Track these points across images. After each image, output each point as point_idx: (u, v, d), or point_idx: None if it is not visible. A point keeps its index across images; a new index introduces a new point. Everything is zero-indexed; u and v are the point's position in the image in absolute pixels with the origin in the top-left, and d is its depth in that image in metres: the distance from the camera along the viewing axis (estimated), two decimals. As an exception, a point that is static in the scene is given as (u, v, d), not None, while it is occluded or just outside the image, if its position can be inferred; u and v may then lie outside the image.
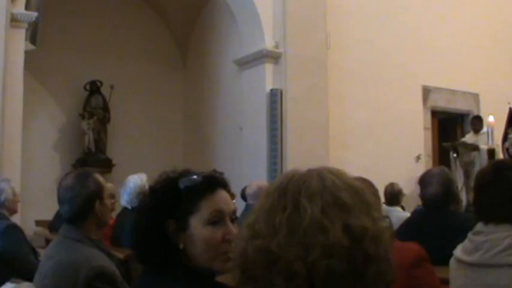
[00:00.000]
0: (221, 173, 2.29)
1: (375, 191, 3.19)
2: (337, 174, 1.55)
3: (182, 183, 2.13)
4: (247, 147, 11.33)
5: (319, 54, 11.24)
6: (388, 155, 12.05)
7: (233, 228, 2.15)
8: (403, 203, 9.74)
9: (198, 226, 2.10)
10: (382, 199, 9.08)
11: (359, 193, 1.51)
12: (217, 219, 2.11)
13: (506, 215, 2.67)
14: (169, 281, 2.08)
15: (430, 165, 12.41)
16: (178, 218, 2.10)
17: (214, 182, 2.19)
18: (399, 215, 7.97)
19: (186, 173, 2.19)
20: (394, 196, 8.97)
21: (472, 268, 2.72)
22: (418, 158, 12.82)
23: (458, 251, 2.84)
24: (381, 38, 12.59)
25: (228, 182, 2.26)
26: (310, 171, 1.55)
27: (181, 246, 2.09)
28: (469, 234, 2.80)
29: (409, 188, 10.30)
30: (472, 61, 14.13)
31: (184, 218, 2.10)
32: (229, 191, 2.24)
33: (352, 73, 12.04)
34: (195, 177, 2.15)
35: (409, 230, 4.51)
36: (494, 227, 2.67)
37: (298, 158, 10.32)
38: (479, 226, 2.75)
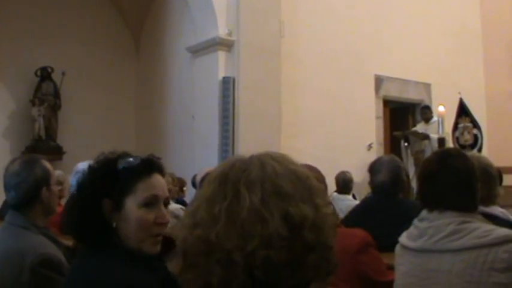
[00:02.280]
0: (158, 158, 2.34)
1: (321, 178, 3.21)
2: (280, 160, 1.55)
3: (121, 164, 2.19)
4: (199, 135, 11.30)
5: (273, 43, 11.23)
6: (340, 143, 12.11)
7: (165, 213, 2.22)
8: (354, 191, 9.84)
9: (132, 207, 2.16)
10: (334, 187, 9.22)
11: (301, 180, 1.51)
12: (152, 202, 2.18)
13: (450, 202, 2.70)
14: (103, 258, 2.10)
15: (381, 153, 12.49)
16: (114, 197, 2.15)
17: (151, 166, 2.26)
18: (350, 203, 8.06)
19: (125, 155, 2.23)
20: (345, 184, 9.07)
21: (415, 254, 2.75)
22: (369, 146, 12.93)
23: (403, 237, 2.88)
24: (335, 27, 12.64)
25: (164, 167, 2.32)
26: (252, 158, 1.56)
27: (114, 225, 2.14)
28: (414, 221, 2.83)
29: (361, 177, 10.39)
30: (425, 52, 14.28)
31: (119, 198, 2.16)
32: (164, 176, 2.30)
33: (305, 62, 12.07)
34: (132, 159, 2.20)
35: (357, 217, 4.56)
36: (439, 214, 2.71)
37: (250, 146, 10.27)
38: (424, 213, 2.79)
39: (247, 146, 10.42)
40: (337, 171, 9.49)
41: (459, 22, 15.34)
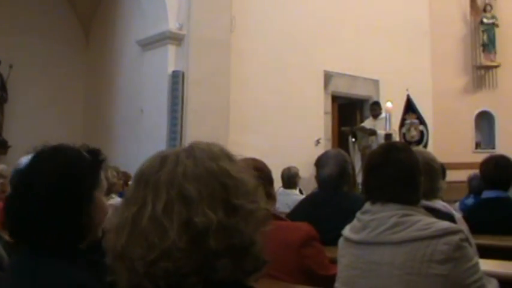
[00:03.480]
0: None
1: (264, 173, 3.24)
2: (199, 156, 1.52)
3: (85, 158, 2.15)
4: (148, 129, 11.25)
5: (223, 37, 11.24)
6: (289, 138, 12.18)
7: None
8: (302, 186, 9.89)
9: (100, 198, 2.17)
10: (280, 182, 9.25)
11: (218, 178, 1.49)
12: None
13: (393, 195, 2.74)
14: (53, 259, 2.01)
15: (329, 148, 12.59)
16: (84, 191, 2.10)
17: (102, 157, 2.23)
18: (296, 197, 8.10)
19: (72, 148, 2.19)
20: (290, 179, 9.10)
21: (358, 246, 2.77)
22: (317, 141, 13.02)
23: (346, 230, 2.90)
24: (285, 22, 12.70)
25: None
26: (171, 155, 1.54)
27: (84, 219, 2.08)
28: (357, 214, 2.85)
29: (309, 171, 10.43)
30: (373, 48, 14.43)
31: (89, 191, 2.11)
32: None
33: (255, 57, 12.11)
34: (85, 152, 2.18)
35: (303, 210, 4.59)
36: (381, 207, 2.74)
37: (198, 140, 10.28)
38: (367, 206, 2.82)
39: (195, 139, 10.32)
40: (285, 166, 9.53)
41: (408, 20, 15.54)
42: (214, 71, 10.96)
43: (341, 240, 2.94)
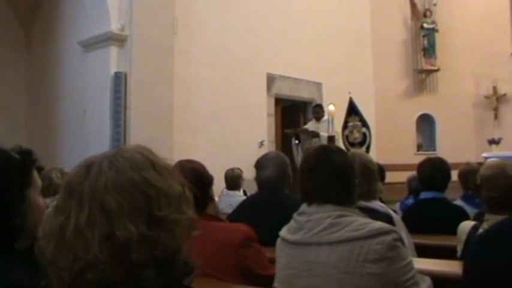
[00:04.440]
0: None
1: (201, 175, 3.26)
2: (121, 165, 1.51)
3: (13, 158, 2.11)
4: (91, 130, 11.11)
5: (166, 38, 11.17)
6: (233, 140, 12.20)
7: None
8: (246, 188, 9.92)
9: (35, 197, 2.13)
10: (224, 183, 9.28)
11: (140, 189, 1.48)
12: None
13: (328, 196, 2.79)
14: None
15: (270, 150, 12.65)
16: (13, 191, 2.06)
17: (34, 157, 2.21)
18: (239, 199, 8.12)
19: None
20: (234, 180, 9.15)
21: (294, 246, 2.82)
22: (261, 143, 13.05)
23: (283, 231, 2.94)
24: (228, 25, 12.71)
25: None
26: (91, 165, 1.52)
27: (17, 219, 2.05)
28: (294, 215, 2.89)
29: (252, 173, 10.40)
30: (316, 52, 14.55)
31: (20, 191, 2.08)
32: None
33: (198, 59, 12.08)
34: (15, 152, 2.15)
35: (243, 211, 4.63)
36: (317, 208, 2.78)
37: (142, 143, 10.12)
38: (303, 207, 2.86)
39: (139, 141, 10.15)
40: (229, 168, 9.56)
41: (350, 24, 15.72)
42: (157, 72, 10.89)
43: (278, 241, 2.98)
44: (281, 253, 2.94)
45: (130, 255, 1.40)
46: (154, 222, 1.45)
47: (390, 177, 12.49)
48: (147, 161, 1.56)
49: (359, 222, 2.71)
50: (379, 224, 2.71)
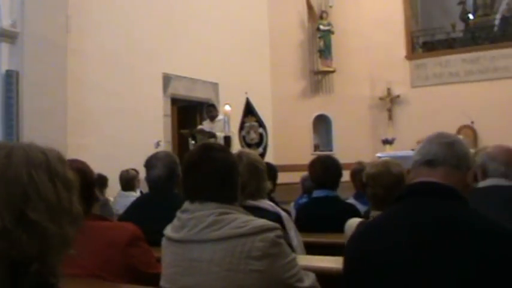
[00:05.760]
0: None
1: (85, 176, 3.21)
2: (14, 160, 1.49)
3: None
4: (-20, 131, 10.77)
5: (59, 37, 10.92)
6: (128, 141, 12.03)
7: None
8: (143, 189, 9.84)
9: None
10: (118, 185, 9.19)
11: (22, 187, 1.45)
12: None
13: (211, 194, 2.80)
14: None
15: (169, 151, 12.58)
16: None
17: None
18: (134, 199, 8.07)
19: None
20: (129, 181, 9.14)
21: (178, 244, 2.82)
22: (157, 144, 12.95)
23: (168, 229, 2.93)
24: (123, 24, 12.55)
25: None
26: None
27: None
28: (177, 213, 2.90)
29: (148, 174, 10.39)
30: (213, 52, 14.57)
31: None
32: None
33: (93, 58, 11.88)
34: None
35: (134, 211, 4.60)
36: (200, 205, 2.79)
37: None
38: (186, 204, 2.86)
39: (32, 141, 10.04)
40: (126, 169, 9.48)
41: (247, 24, 15.82)
42: (49, 71, 10.61)
43: (163, 240, 2.98)
44: (166, 252, 2.94)
45: None
46: (24, 222, 1.41)
47: (287, 177, 12.65)
48: (46, 164, 1.53)
49: (242, 220, 2.73)
50: (262, 221, 2.74)
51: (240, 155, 3.90)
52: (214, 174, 2.84)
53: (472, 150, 3.27)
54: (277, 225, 2.77)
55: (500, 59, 16.28)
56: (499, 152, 3.94)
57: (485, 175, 3.91)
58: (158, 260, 3.34)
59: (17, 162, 1.47)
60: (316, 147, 17.70)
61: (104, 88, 11.99)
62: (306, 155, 16.25)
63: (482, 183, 3.89)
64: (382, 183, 4.06)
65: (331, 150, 16.81)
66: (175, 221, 2.90)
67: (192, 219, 2.78)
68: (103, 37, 12.11)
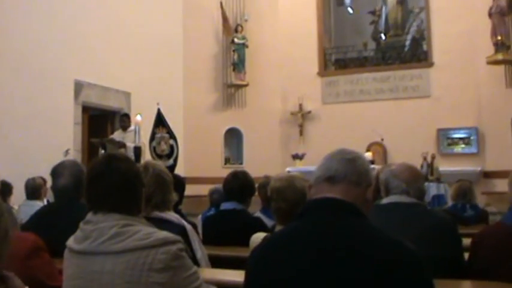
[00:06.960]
0: None
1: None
2: None
3: None
4: None
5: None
6: (36, 148, 11.80)
7: None
8: (50, 198, 9.68)
9: None
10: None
11: None
12: None
13: (114, 205, 2.79)
14: None
15: (79, 160, 12.39)
16: None
17: None
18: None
19: None
20: (35, 190, 8.95)
21: (80, 256, 2.79)
22: (67, 152, 12.73)
23: (70, 241, 2.90)
24: (35, 28, 12.34)
25: None
26: None
27: None
28: (80, 224, 2.87)
29: (56, 183, 10.20)
30: (127, 61, 14.49)
31: None
32: None
33: (3, 61, 11.63)
34: None
35: (38, 221, 4.51)
36: (103, 217, 2.77)
37: None
38: (89, 216, 2.84)
39: None
40: (33, 176, 9.28)
41: (161, 34, 15.80)
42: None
43: (66, 251, 2.94)
44: (68, 263, 2.90)
45: None
46: None
47: (198, 189, 12.66)
48: None
49: (145, 232, 2.73)
50: (165, 234, 2.75)
51: (146, 166, 3.91)
52: (117, 185, 2.82)
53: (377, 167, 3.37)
54: (179, 238, 2.78)
55: (409, 79, 16.76)
56: (401, 170, 4.06)
57: (388, 192, 4.03)
58: (61, 272, 3.31)
59: None
60: (227, 160, 17.81)
61: (14, 93, 11.74)
62: (216, 168, 16.38)
63: (385, 200, 4.01)
64: (286, 197, 4.11)
65: (241, 164, 16.94)
66: (78, 232, 2.87)
67: (95, 230, 2.76)
68: (12, 42, 11.86)
